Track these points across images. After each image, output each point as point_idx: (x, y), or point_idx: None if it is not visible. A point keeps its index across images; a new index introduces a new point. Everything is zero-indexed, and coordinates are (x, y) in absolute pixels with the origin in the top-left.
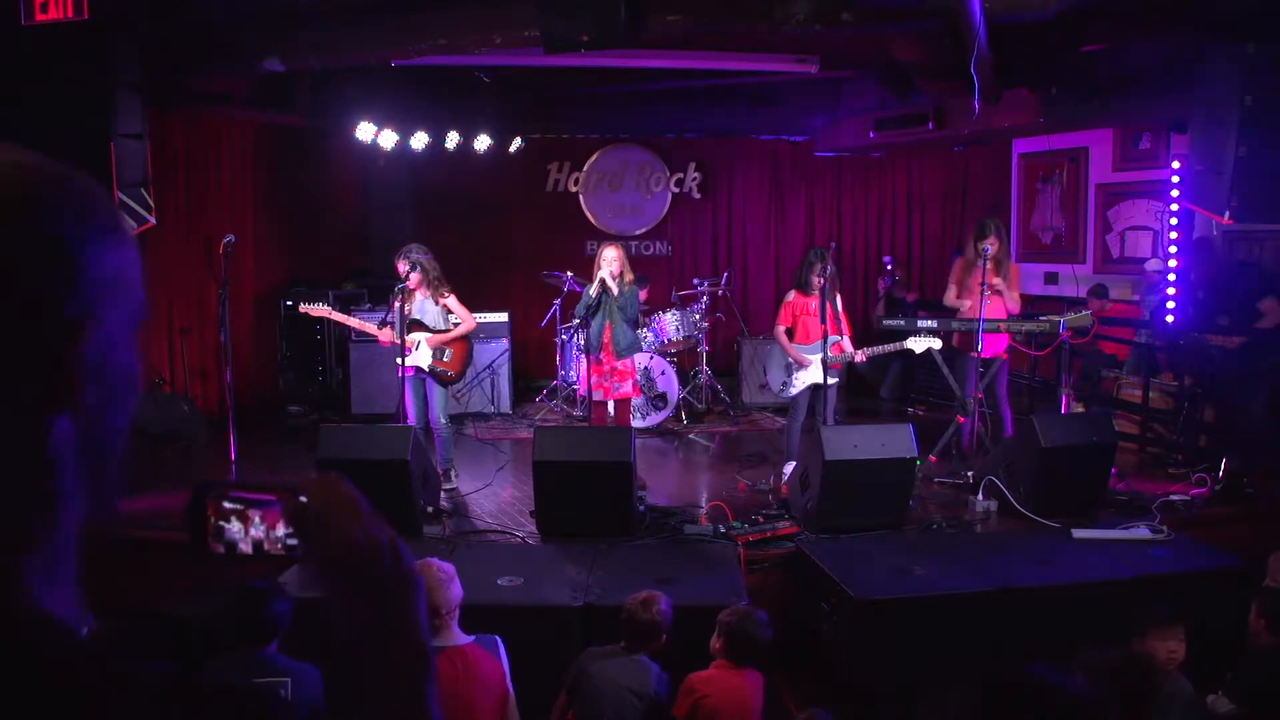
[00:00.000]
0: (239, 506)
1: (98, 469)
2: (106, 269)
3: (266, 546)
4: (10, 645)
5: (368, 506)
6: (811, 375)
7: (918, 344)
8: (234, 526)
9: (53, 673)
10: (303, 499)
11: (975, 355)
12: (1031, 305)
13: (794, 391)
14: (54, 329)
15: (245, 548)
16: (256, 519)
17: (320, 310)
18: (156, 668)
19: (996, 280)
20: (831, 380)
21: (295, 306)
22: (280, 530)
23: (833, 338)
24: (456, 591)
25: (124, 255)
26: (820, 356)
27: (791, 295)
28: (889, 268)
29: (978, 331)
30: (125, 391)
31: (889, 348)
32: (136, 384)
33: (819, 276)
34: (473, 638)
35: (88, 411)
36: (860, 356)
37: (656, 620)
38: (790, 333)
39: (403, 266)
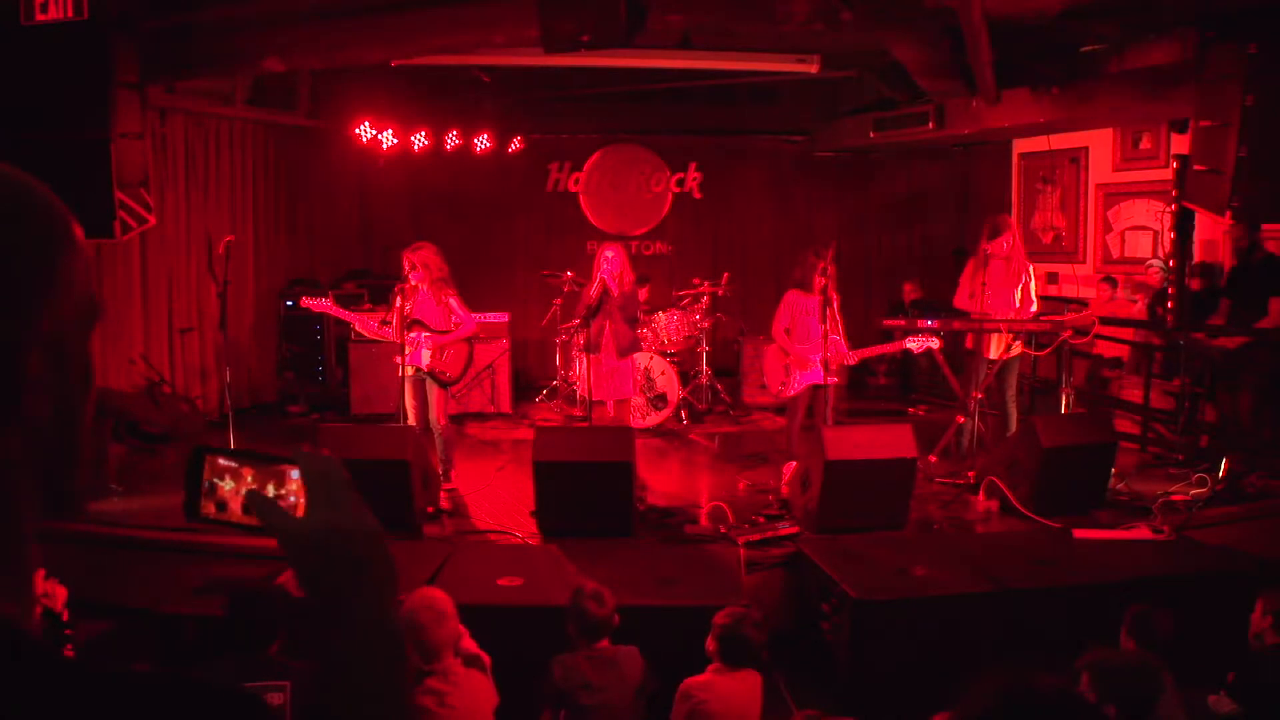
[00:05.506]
0: (234, 465)
1: (55, 472)
2: (53, 280)
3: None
4: None
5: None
6: (810, 375)
7: (916, 344)
8: (227, 485)
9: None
10: (295, 474)
11: (984, 355)
12: None
13: (793, 392)
14: None
15: (235, 506)
16: (249, 477)
17: (322, 305)
18: (108, 665)
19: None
20: (831, 380)
21: (296, 306)
22: (272, 491)
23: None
24: (451, 629)
25: (71, 263)
26: (820, 356)
27: (792, 294)
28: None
29: (978, 331)
30: (80, 395)
31: (884, 349)
32: (91, 386)
33: (821, 276)
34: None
35: (36, 421)
36: (852, 359)
37: (612, 614)
38: (788, 333)
39: (407, 263)
